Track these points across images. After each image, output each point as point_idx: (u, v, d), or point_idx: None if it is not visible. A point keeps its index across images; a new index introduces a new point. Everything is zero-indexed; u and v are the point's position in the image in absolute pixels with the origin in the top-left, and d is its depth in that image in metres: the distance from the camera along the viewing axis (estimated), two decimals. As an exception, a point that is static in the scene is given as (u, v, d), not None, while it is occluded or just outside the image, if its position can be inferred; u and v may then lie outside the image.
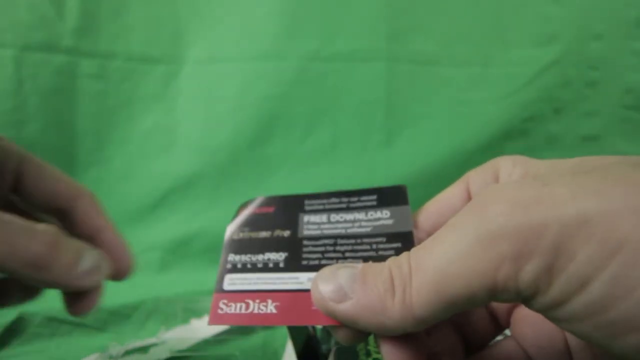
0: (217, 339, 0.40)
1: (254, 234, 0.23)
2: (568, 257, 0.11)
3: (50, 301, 0.45)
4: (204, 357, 0.38)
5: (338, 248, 0.21)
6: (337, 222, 0.23)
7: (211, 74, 0.63)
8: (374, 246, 0.21)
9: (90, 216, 0.24)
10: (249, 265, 0.21)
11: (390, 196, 0.24)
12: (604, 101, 0.60)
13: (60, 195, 0.24)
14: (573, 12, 0.59)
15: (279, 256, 0.21)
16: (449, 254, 0.13)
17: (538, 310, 0.13)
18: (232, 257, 0.22)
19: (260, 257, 0.22)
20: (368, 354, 0.27)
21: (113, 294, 0.48)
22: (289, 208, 0.24)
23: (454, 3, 0.62)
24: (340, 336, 0.16)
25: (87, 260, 0.21)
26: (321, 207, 0.24)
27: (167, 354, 0.36)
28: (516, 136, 0.62)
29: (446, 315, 0.14)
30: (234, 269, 0.22)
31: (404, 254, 0.15)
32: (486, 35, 0.62)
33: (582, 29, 0.59)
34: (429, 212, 0.21)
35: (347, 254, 0.21)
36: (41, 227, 0.19)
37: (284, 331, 0.37)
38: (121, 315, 0.45)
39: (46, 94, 0.60)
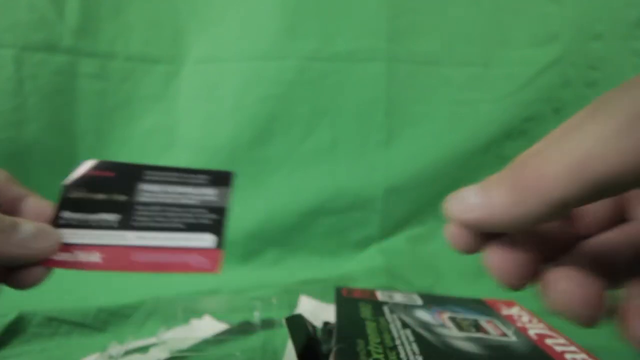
0: (217, 339, 0.40)
1: (91, 195, 0.26)
2: None
3: (51, 301, 0.45)
4: (204, 357, 0.38)
5: (166, 214, 0.26)
6: (170, 193, 0.27)
7: (211, 74, 0.63)
8: (197, 215, 0.27)
9: (6, 188, 0.24)
10: (82, 223, 0.25)
11: (219, 179, 0.29)
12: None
13: None
14: (573, 12, 0.59)
15: (112, 217, 0.26)
16: (591, 136, 0.13)
17: None
18: (68, 214, 0.25)
19: (94, 216, 0.26)
20: (369, 354, 0.27)
21: (113, 294, 0.48)
22: (128, 175, 0.27)
23: (454, 3, 0.62)
24: (462, 244, 0.17)
25: (25, 228, 0.22)
26: (159, 178, 0.28)
27: (167, 354, 0.36)
28: (516, 136, 0.62)
29: (590, 199, 0.13)
30: (69, 225, 0.25)
31: (530, 151, 0.15)
32: (486, 35, 0.62)
33: (582, 29, 0.59)
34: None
35: (174, 219, 0.26)
36: None
37: (284, 331, 0.37)
38: (121, 315, 0.45)
39: (46, 94, 0.60)
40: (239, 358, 0.36)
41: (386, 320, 0.33)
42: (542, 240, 0.18)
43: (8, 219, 0.21)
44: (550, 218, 0.14)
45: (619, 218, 0.20)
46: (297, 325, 0.30)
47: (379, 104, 0.63)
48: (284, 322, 0.29)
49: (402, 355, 0.27)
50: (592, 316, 0.15)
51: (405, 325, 0.32)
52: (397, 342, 0.29)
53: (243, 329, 0.42)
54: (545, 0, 0.60)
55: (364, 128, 0.63)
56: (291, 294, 0.48)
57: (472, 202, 0.16)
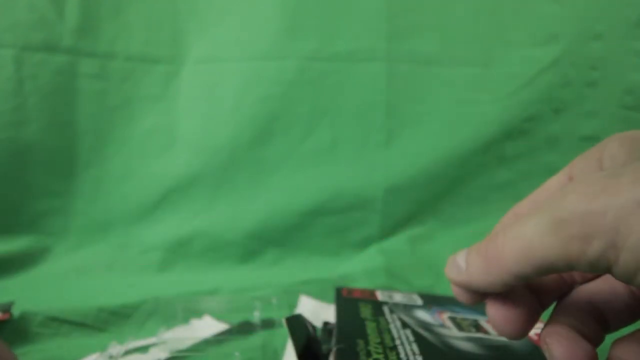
0: (217, 339, 0.40)
1: None
2: (627, 234, 0.14)
3: (51, 301, 0.45)
4: (204, 357, 0.38)
5: None
6: None
7: (211, 74, 0.63)
8: None
9: None
10: None
11: None
12: (603, 101, 0.60)
13: None
14: (573, 12, 0.59)
15: None
16: (533, 230, 0.16)
17: (619, 279, 0.15)
18: None
19: None
20: (369, 354, 0.27)
21: (113, 294, 0.48)
22: None
23: (454, 3, 0.62)
24: (464, 299, 0.20)
25: None
26: None
27: (167, 354, 0.36)
28: (516, 136, 0.62)
29: (536, 275, 0.16)
30: None
31: (497, 233, 0.18)
32: (486, 35, 0.62)
33: (582, 29, 0.59)
34: (529, 199, 0.23)
35: None
36: None
37: (284, 331, 0.37)
38: (121, 315, 0.45)
39: (46, 94, 0.60)
40: (238, 358, 0.36)
41: (386, 320, 0.33)
42: (538, 290, 0.21)
43: None
44: (521, 282, 0.17)
45: None
46: (297, 325, 0.30)
47: (379, 104, 0.63)
48: (284, 322, 0.29)
49: (402, 355, 0.27)
50: None
51: (405, 325, 0.33)
52: (397, 342, 0.29)
53: (243, 329, 0.42)
54: (545, 0, 0.60)
55: (364, 128, 0.63)
56: (291, 294, 0.48)
57: (460, 266, 0.19)
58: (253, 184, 0.63)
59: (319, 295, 0.47)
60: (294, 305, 0.46)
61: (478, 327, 0.33)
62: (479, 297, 0.19)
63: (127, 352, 0.37)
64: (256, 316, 0.43)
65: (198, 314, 0.44)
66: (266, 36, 0.62)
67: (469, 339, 0.31)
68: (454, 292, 0.20)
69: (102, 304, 0.45)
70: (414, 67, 0.62)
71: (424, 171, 0.63)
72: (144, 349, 0.38)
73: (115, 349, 0.36)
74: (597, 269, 0.15)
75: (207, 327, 0.42)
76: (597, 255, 0.15)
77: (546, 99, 0.61)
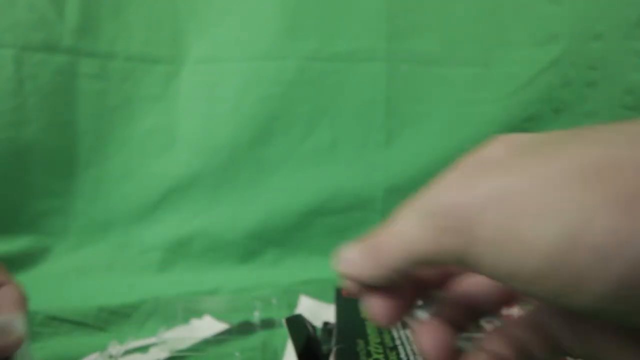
0: (217, 339, 0.40)
1: None
2: (478, 227, 0.14)
3: (52, 300, 0.45)
4: (204, 357, 0.38)
5: None
6: None
7: (211, 74, 0.63)
8: None
9: None
10: None
11: None
12: (604, 101, 0.60)
13: None
14: (573, 12, 0.59)
15: None
16: (403, 224, 0.17)
17: (482, 273, 0.15)
18: None
19: None
20: (369, 354, 0.27)
21: (113, 294, 0.48)
22: None
23: (455, 3, 0.62)
24: (354, 292, 0.20)
25: None
26: None
27: (167, 354, 0.36)
28: (516, 136, 0.62)
29: (410, 268, 0.17)
30: None
31: (376, 230, 0.18)
32: (486, 35, 0.62)
33: (582, 29, 0.59)
34: None
35: None
36: None
37: (284, 331, 0.37)
38: (121, 315, 0.45)
39: (46, 94, 0.60)
40: (238, 358, 0.36)
41: (386, 320, 0.33)
42: (418, 281, 0.21)
43: None
44: (402, 276, 0.18)
45: None
46: (297, 325, 0.30)
47: (379, 104, 0.63)
48: (283, 322, 0.29)
49: (402, 355, 0.27)
50: None
51: (405, 325, 0.33)
52: (397, 342, 0.29)
53: (243, 329, 0.42)
54: (545, 0, 0.60)
55: (364, 128, 0.63)
56: (291, 294, 0.48)
57: (349, 260, 0.19)
58: (253, 184, 0.63)
59: (318, 295, 0.47)
60: (294, 305, 0.46)
61: (478, 327, 0.33)
62: (369, 290, 0.20)
63: (127, 352, 0.37)
64: (256, 316, 0.43)
65: (198, 314, 0.44)
66: (266, 36, 0.62)
67: (469, 339, 0.31)
68: (347, 285, 0.20)
69: (102, 304, 0.45)
70: (414, 67, 0.62)
71: (424, 171, 0.63)
72: (144, 349, 0.38)
73: (115, 348, 0.36)
74: (463, 262, 0.15)
75: (207, 327, 0.42)
76: (453, 247, 0.15)
77: (546, 99, 0.61)
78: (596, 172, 0.12)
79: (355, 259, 0.19)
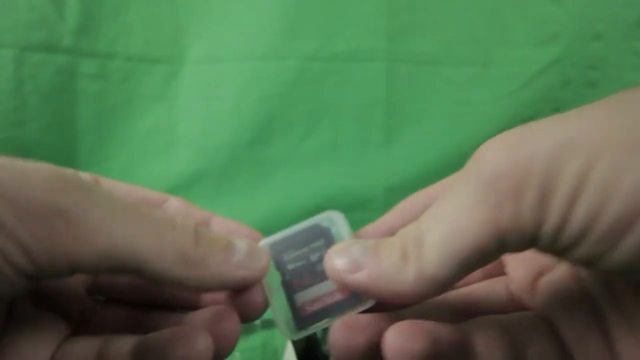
0: (217, 339, 0.40)
1: None
2: (557, 178, 0.12)
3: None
4: (204, 357, 0.38)
5: None
6: None
7: (211, 74, 0.63)
8: None
9: (190, 213, 0.23)
10: None
11: None
12: (604, 101, 0.60)
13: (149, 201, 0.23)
14: (573, 12, 0.59)
15: None
16: (454, 210, 0.14)
17: (545, 249, 0.13)
18: None
19: None
20: (368, 354, 0.27)
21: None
22: None
23: (454, 3, 0.62)
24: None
25: (240, 247, 0.19)
26: None
27: (167, 354, 0.36)
28: (516, 136, 0.62)
29: (460, 274, 0.14)
30: None
31: (414, 223, 0.15)
32: (486, 35, 0.62)
33: (582, 29, 0.59)
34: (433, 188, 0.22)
35: None
36: (179, 219, 0.17)
37: (284, 331, 0.37)
38: (121, 315, 0.45)
39: (46, 94, 0.60)
40: (238, 358, 0.36)
41: (386, 320, 0.33)
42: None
43: (223, 237, 0.19)
44: (428, 294, 0.15)
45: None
46: (297, 325, 0.30)
47: (379, 104, 0.63)
48: (284, 322, 0.29)
49: (402, 355, 0.27)
50: None
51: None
52: (397, 342, 0.29)
53: (243, 329, 0.42)
54: (545, 0, 0.60)
55: (364, 128, 0.63)
56: (291, 294, 0.48)
57: (359, 259, 0.15)
58: (253, 184, 0.63)
59: (319, 295, 0.47)
60: (294, 305, 0.46)
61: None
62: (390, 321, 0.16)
63: (127, 352, 0.36)
64: (256, 316, 0.43)
65: (198, 314, 0.44)
66: (266, 36, 0.62)
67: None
68: (339, 286, 0.17)
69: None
70: (414, 67, 0.62)
71: (424, 171, 0.63)
72: (144, 349, 0.38)
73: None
74: (527, 238, 0.13)
75: (207, 327, 0.42)
76: (531, 211, 0.13)
77: (546, 99, 0.61)
78: None
79: (388, 264, 0.15)
